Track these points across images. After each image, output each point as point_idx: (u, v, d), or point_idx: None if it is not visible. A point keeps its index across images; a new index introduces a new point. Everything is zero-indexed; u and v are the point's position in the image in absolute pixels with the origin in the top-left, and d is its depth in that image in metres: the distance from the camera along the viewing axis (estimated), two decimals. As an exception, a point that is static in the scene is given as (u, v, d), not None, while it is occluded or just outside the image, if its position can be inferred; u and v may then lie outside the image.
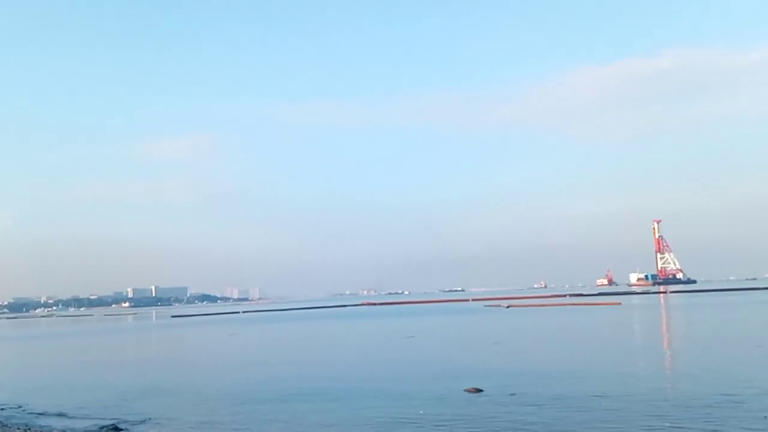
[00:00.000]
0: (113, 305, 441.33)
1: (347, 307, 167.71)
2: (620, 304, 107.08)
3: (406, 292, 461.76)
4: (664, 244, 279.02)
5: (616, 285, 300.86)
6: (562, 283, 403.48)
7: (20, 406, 27.24)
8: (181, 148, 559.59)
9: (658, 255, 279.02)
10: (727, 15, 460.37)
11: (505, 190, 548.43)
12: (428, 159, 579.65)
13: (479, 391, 25.04)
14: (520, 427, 19.13)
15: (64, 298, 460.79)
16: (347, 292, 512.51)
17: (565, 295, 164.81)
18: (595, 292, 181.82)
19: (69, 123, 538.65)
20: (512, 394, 24.18)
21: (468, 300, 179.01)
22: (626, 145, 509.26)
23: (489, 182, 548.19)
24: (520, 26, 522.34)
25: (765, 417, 18.80)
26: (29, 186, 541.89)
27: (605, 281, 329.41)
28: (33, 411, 26.04)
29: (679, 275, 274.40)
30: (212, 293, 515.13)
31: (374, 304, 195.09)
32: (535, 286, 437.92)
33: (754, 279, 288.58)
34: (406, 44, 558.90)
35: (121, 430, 21.53)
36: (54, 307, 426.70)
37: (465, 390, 25.30)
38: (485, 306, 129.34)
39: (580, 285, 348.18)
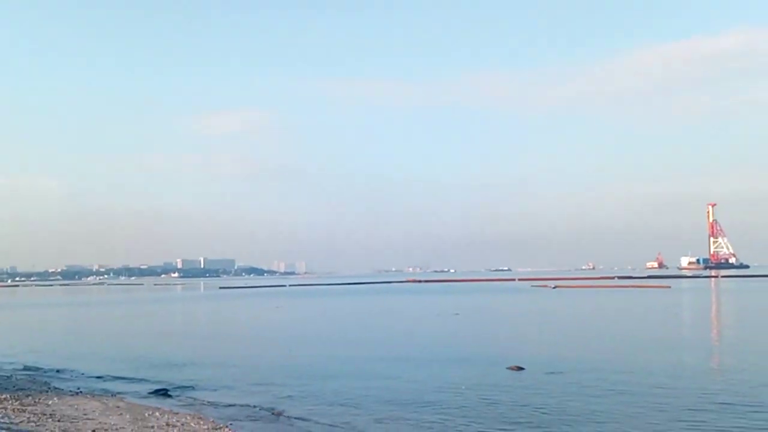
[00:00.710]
0: (162, 275, 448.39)
1: (393, 284, 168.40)
2: (670, 287, 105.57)
3: (451, 271, 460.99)
4: (718, 228, 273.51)
5: (667, 268, 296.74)
6: (610, 265, 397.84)
7: (74, 370, 28.13)
8: (234, 122, 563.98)
9: (711, 239, 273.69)
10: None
11: (557, 171, 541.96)
12: (480, 139, 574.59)
13: (521, 369, 25.13)
14: (558, 404, 19.16)
15: (115, 267, 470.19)
16: (393, 269, 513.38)
17: (613, 278, 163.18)
18: (645, 275, 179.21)
19: (123, 95, 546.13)
20: (554, 373, 24.20)
21: (514, 280, 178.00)
22: (684, 126, 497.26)
23: (541, 162, 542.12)
24: (580, 5, 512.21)
25: None
26: (83, 156, 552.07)
27: (655, 264, 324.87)
28: (87, 375, 26.91)
29: (732, 260, 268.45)
30: (259, 266, 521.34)
31: (419, 281, 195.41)
32: (583, 267, 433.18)
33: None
34: (465, 23, 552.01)
35: (171, 395, 22.14)
36: (105, 276, 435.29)
37: (507, 368, 25.39)
38: (532, 286, 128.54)
39: (629, 267, 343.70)
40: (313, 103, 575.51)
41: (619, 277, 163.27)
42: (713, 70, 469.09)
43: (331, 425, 17.69)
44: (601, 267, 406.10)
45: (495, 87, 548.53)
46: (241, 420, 18.34)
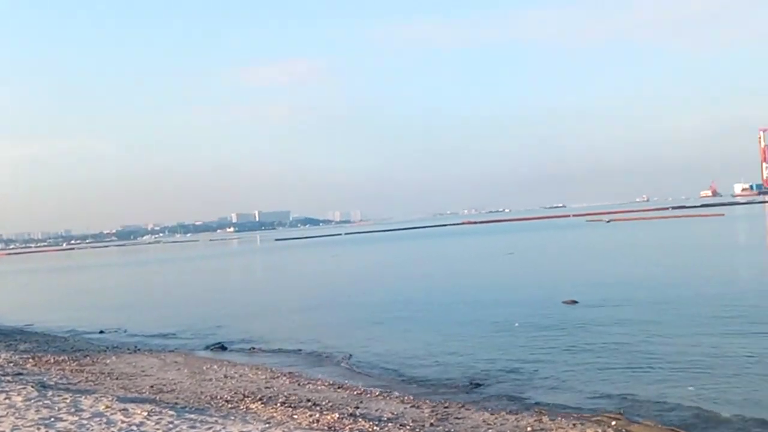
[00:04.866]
0: (218, 231, 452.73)
1: (447, 227, 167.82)
2: (724, 215, 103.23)
3: (507, 210, 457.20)
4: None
5: (721, 196, 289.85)
6: (665, 196, 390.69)
7: (132, 329, 28.32)
8: (284, 73, 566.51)
9: (764, 164, 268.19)
10: None
11: (607, 104, 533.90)
12: (529, 75, 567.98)
13: (575, 302, 25.12)
14: (607, 334, 19.41)
15: (170, 225, 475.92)
16: (448, 212, 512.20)
17: (667, 208, 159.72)
18: (699, 204, 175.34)
19: (172, 51, 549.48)
20: (608, 305, 24.26)
21: (569, 216, 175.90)
22: (731, 53, 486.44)
23: (591, 97, 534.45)
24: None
25: None
26: (134, 116, 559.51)
27: (709, 193, 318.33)
28: (145, 333, 27.25)
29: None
30: (314, 216, 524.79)
31: (475, 222, 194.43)
32: (637, 200, 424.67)
33: None
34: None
35: (229, 348, 22.43)
36: (160, 234, 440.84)
37: (562, 302, 25.41)
38: (586, 221, 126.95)
39: (683, 197, 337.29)
40: (360, 51, 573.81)
41: (673, 208, 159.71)
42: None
43: (390, 369, 17.75)
44: (655, 199, 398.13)
45: (542, 23, 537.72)
46: (300, 366, 18.56)
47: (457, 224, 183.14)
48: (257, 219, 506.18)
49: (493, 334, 20.82)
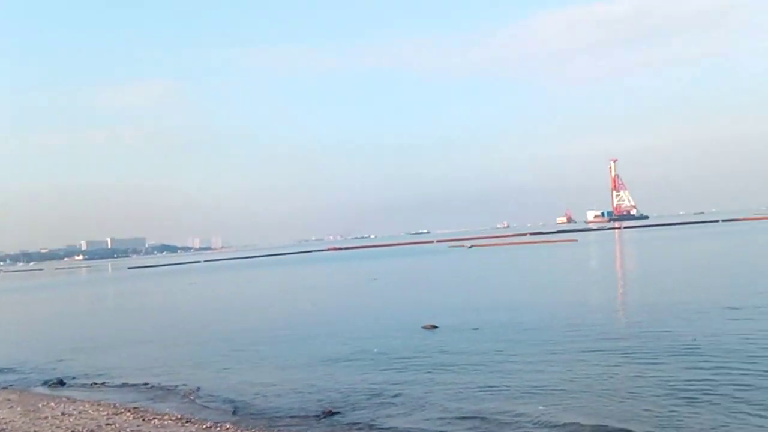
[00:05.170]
0: (65, 258, 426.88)
1: (313, 253, 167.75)
2: (577, 240, 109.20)
3: (372, 236, 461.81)
4: (620, 183, 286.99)
5: (575, 223, 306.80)
6: (524, 222, 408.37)
7: None
8: (139, 95, 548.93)
9: (614, 193, 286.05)
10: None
11: (470, 134, 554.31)
12: (395, 102, 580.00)
13: (435, 327, 25.29)
14: (464, 356, 19.66)
15: (11, 253, 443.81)
16: (313, 238, 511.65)
17: (525, 234, 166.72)
18: (555, 230, 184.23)
19: (18, 70, 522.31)
20: (466, 329, 24.65)
21: (433, 241, 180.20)
22: (585, 88, 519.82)
23: (455, 126, 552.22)
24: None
25: (694, 339, 19.34)
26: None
27: (564, 219, 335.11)
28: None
29: (633, 211, 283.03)
30: (172, 243, 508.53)
31: (340, 248, 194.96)
32: (498, 226, 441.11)
33: (702, 213, 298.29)
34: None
35: (69, 383, 20.95)
36: (0, 263, 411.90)
37: (422, 327, 25.53)
38: (449, 247, 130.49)
39: (540, 224, 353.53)
40: (224, 74, 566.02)
41: (531, 234, 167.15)
42: (612, 33, 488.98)
43: (242, 401, 16.98)
44: (514, 225, 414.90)
45: (405, 51, 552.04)
46: (146, 401, 17.53)
47: (323, 250, 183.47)
48: (110, 246, 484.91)
49: (353, 361, 20.50)
